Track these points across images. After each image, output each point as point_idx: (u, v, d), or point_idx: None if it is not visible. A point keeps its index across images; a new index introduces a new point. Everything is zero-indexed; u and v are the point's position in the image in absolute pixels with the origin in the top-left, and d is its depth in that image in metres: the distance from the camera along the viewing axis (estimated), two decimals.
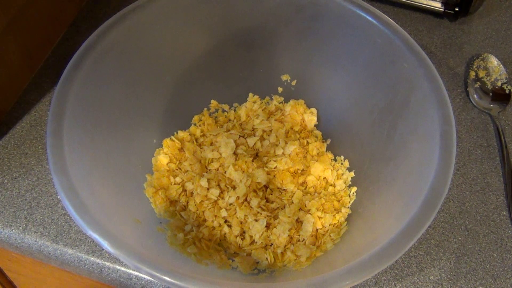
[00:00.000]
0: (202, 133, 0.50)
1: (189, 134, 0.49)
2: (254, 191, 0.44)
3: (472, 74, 0.56)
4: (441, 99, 0.38)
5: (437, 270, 0.44)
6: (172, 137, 0.48)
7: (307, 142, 0.49)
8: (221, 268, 0.40)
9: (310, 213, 0.43)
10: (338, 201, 0.45)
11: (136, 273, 0.44)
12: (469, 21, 0.62)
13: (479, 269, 0.44)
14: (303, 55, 0.50)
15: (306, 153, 0.48)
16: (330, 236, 0.42)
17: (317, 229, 0.43)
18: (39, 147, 0.50)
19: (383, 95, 0.44)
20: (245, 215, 0.43)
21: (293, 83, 0.52)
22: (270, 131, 0.50)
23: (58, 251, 0.44)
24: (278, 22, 0.48)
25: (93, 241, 0.44)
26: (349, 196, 0.45)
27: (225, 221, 0.44)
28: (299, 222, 0.43)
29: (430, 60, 0.40)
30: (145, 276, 0.43)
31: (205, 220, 0.44)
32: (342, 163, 0.48)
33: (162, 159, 0.46)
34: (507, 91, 0.55)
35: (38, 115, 0.52)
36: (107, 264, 0.43)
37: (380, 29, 0.42)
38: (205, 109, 0.52)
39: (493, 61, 0.57)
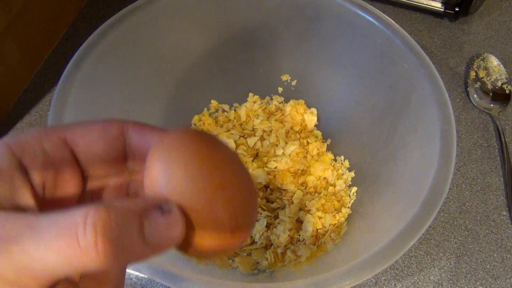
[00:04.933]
0: None
1: None
2: None
3: (472, 74, 0.56)
4: (441, 99, 0.38)
5: (437, 270, 0.44)
6: None
7: (307, 142, 0.49)
8: (221, 268, 0.40)
9: (310, 213, 0.43)
10: (338, 201, 0.45)
11: (136, 273, 0.44)
12: (469, 21, 0.62)
13: (479, 269, 0.44)
14: (303, 55, 0.50)
15: (306, 153, 0.48)
16: (330, 236, 0.42)
17: (317, 229, 0.43)
18: None
19: (383, 95, 0.44)
20: None
21: (293, 83, 0.52)
22: (270, 131, 0.50)
23: None
24: (278, 22, 0.48)
25: None
26: (349, 196, 0.45)
27: None
28: (299, 222, 0.43)
29: (430, 60, 0.40)
30: (145, 276, 0.43)
31: None
32: (342, 163, 0.48)
33: None
34: (507, 91, 0.55)
35: (38, 115, 0.52)
36: None
37: (380, 29, 0.42)
38: (205, 109, 0.52)
39: (493, 61, 0.57)
